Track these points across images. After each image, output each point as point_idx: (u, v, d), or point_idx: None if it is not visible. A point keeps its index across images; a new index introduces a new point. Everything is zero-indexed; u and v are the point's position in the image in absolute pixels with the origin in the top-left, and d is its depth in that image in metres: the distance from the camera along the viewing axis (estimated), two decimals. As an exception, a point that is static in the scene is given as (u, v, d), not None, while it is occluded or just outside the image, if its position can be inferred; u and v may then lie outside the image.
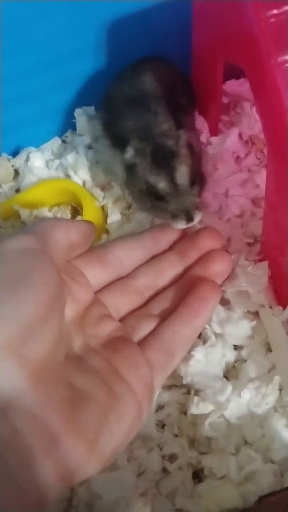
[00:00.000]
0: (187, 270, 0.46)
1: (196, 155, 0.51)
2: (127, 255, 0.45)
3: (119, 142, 0.51)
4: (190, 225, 0.46)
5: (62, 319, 0.34)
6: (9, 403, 0.28)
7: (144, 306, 0.44)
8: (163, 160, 0.47)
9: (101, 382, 0.34)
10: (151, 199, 0.47)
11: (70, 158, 0.61)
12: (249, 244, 0.53)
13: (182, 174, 0.46)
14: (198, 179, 0.48)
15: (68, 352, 0.35)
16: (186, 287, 0.44)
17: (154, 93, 0.52)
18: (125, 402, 0.34)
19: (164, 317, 0.42)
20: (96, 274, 0.42)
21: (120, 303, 0.43)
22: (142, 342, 0.40)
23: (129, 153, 0.48)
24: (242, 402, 0.42)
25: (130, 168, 0.49)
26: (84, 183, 0.61)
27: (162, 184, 0.46)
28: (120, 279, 0.45)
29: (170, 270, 0.46)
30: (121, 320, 0.43)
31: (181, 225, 0.46)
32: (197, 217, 0.46)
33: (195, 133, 0.57)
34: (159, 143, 0.48)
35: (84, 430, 0.30)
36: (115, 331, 0.40)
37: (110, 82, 0.59)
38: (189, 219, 0.45)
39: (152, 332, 0.41)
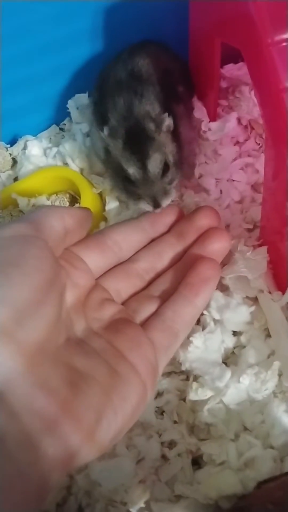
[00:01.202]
0: (186, 250, 0.46)
1: (181, 143, 0.50)
2: (125, 240, 0.45)
3: (102, 121, 0.50)
4: (157, 210, 0.46)
5: (60, 303, 0.34)
6: (5, 385, 0.28)
7: (145, 289, 0.44)
8: (137, 144, 0.46)
9: (103, 363, 0.34)
10: (123, 181, 0.47)
11: (67, 146, 0.61)
12: (249, 230, 0.52)
13: (155, 161, 0.45)
14: (174, 167, 0.47)
15: (70, 335, 0.35)
16: (186, 267, 0.44)
17: (145, 76, 0.51)
18: (129, 381, 0.34)
19: (165, 298, 0.42)
20: (95, 260, 0.42)
21: (121, 287, 0.43)
22: (144, 324, 0.40)
23: (105, 132, 0.48)
24: (241, 388, 0.42)
25: (107, 148, 0.49)
26: (81, 170, 0.61)
27: (132, 170, 0.45)
28: (120, 263, 0.45)
29: (169, 252, 0.46)
30: (123, 303, 0.43)
31: (147, 207, 0.46)
32: (165, 203, 0.46)
33: (188, 123, 0.56)
34: (136, 125, 0.47)
35: (83, 414, 0.30)
36: (117, 313, 0.40)
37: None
38: (156, 205, 0.45)
39: (154, 313, 0.41)
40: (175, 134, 0.49)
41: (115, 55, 0.57)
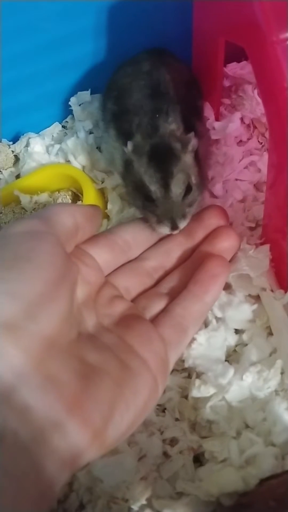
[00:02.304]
0: (194, 249, 0.46)
1: (200, 162, 0.49)
2: (134, 239, 0.46)
3: (124, 134, 0.49)
4: (174, 232, 0.45)
5: (71, 298, 0.35)
6: (18, 379, 0.28)
7: (154, 287, 0.45)
8: (162, 162, 0.45)
9: (114, 358, 0.34)
10: (142, 198, 0.46)
11: (70, 142, 0.61)
12: (251, 229, 0.52)
13: (178, 181, 0.44)
14: (195, 187, 0.47)
15: (81, 331, 0.35)
16: (195, 265, 0.44)
17: (170, 93, 0.51)
18: (140, 375, 0.35)
19: (174, 295, 0.43)
20: (105, 258, 0.43)
21: (130, 284, 0.44)
22: (154, 320, 0.41)
23: (129, 147, 0.47)
24: (243, 385, 0.42)
25: (128, 163, 0.48)
26: (83, 168, 0.61)
27: (154, 188, 0.45)
28: (129, 262, 0.45)
29: (177, 250, 0.46)
30: (132, 301, 0.43)
31: (164, 230, 0.45)
32: (182, 225, 0.45)
33: (207, 139, 0.56)
34: (162, 143, 0.46)
35: (96, 406, 0.31)
36: (127, 310, 0.40)
37: (111, 67, 0.59)
38: (174, 227, 0.45)
39: (164, 310, 0.42)
40: (197, 153, 0.48)
41: (126, 63, 0.57)
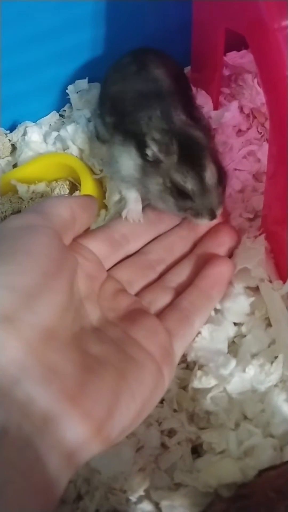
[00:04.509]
0: (196, 243, 0.47)
1: (215, 148, 0.48)
2: (132, 233, 0.46)
3: (133, 138, 0.46)
4: (213, 222, 0.45)
5: (71, 290, 0.35)
6: (22, 370, 0.28)
7: (158, 281, 0.45)
8: (192, 157, 0.44)
9: (118, 350, 0.35)
10: (175, 197, 0.44)
11: (69, 128, 0.61)
12: (250, 219, 0.52)
13: (212, 172, 0.44)
14: (223, 173, 0.46)
15: (84, 324, 0.36)
16: (199, 259, 0.45)
17: (165, 85, 0.50)
18: (145, 366, 0.35)
19: (179, 289, 0.44)
20: (104, 252, 0.43)
21: (133, 278, 0.44)
22: (160, 314, 0.41)
23: (152, 148, 0.44)
24: (245, 377, 0.42)
25: (147, 165, 0.45)
26: (82, 153, 0.60)
27: (190, 185, 0.43)
28: (132, 255, 0.46)
29: (180, 244, 0.47)
30: (136, 294, 0.44)
31: (204, 222, 0.45)
32: (219, 212, 0.45)
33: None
34: (186, 136, 0.45)
35: (100, 396, 0.31)
36: (132, 304, 0.41)
37: (109, 56, 0.58)
38: (213, 216, 0.44)
39: (170, 304, 0.42)
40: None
41: (112, 67, 0.56)
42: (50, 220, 0.36)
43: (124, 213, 0.47)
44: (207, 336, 0.44)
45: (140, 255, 0.46)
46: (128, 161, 0.47)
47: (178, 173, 0.44)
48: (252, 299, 0.45)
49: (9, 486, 0.25)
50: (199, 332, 0.43)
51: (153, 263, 0.46)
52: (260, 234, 0.48)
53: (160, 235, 0.48)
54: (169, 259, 0.46)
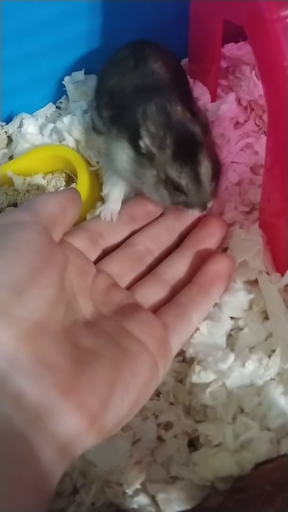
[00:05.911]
0: (182, 234, 0.48)
1: (212, 141, 0.48)
2: (107, 230, 0.47)
3: (128, 131, 0.46)
4: (203, 213, 0.46)
5: (61, 284, 0.35)
6: (12, 364, 0.28)
7: (150, 273, 0.45)
8: (187, 151, 0.44)
9: (112, 342, 0.35)
10: (169, 190, 0.45)
11: (66, 120, 0.60)
12: (246, 213, 0.52)
13: (206, 168, 0.44)
14: (219, 166, 0.46)
15: (77, 318, 0.36)
16: (190, 253, 0.46)
17: (163, 78, 0.50)
18: (139, 357, 0.35)
19: (172, 282, 0.44)
20: (84, 250, 0.44)
21: (123, 271, 0.45)
22: (157, 309, 0.42)
23: (144, 141, 0.44)
24: (244, 372, 0.42)
25: (141, 158, 0.45)
26: (78, 144, 0.60)
27: (185, 181, 0.43)
28: (120, 247, 0.46)
29: (166, 235, 0.48)
30: (129, 288, 0.44)
31: (195, 213, 0.46)
32: (210, 204, 0.45)
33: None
34: (181, 129, 0.44)
35: (93, 388, 0.31)
36: (125, 298, 0.41)
37: (106, 47, 0.58)
38: (204, 209, 0.45)
39: (165, 298, 0.43)
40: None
41: (109, 60, 0.55)
42: (39, 217, 0.37)
43: (99, 210, 0.48)
44: (205, 332, 0.44)
45: (127, 247, 0.46)
46: (123, 155, 0.47)
47: (173, 168, 0.44)
48: (252, 295, 0.45)
49: (0, 479, 0.25)
50: (198, 329, 0.43)
51: (141, 254, 0.46)
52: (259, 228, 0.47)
53: (146, 225, 0.48)
54: (156, 249, 0.47)
